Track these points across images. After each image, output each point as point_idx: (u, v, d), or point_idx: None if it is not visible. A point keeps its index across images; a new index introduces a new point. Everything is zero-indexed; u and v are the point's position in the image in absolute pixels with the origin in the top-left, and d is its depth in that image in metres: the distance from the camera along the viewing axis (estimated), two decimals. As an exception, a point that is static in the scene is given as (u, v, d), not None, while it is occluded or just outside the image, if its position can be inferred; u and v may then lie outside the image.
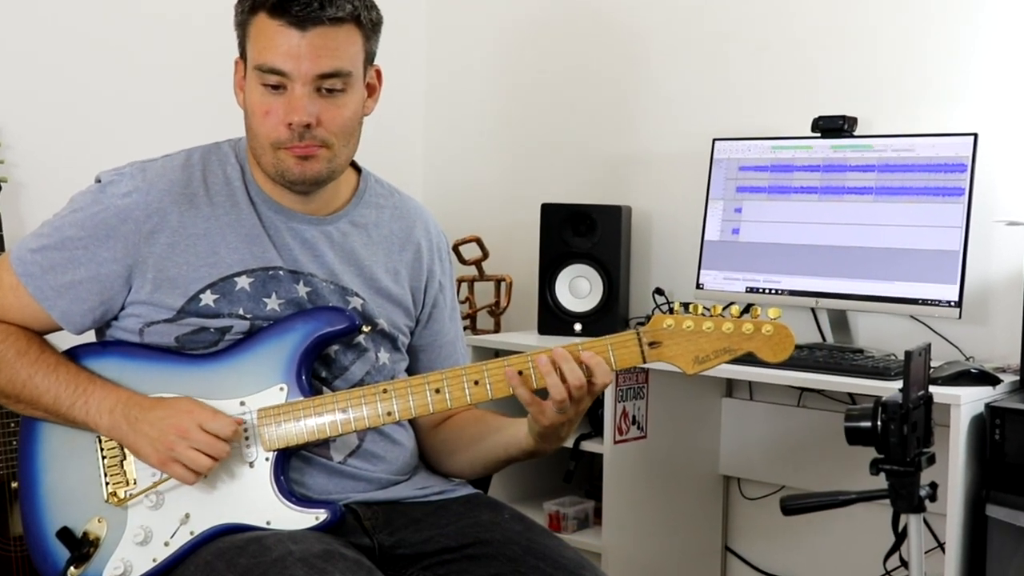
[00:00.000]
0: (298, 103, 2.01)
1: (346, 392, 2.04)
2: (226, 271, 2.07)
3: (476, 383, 2.01)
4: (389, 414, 2.03)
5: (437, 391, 2.02)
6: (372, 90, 2.16)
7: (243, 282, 2.08)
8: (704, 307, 1.99)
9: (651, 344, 1.99)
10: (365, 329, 2.12)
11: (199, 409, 1.99)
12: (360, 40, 2.06)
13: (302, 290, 2.11)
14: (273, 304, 2.09)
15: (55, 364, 2.06)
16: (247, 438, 2.02)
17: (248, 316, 2.07)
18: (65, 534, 2.04)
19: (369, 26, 2.08)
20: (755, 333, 1.95)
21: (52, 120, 3.27)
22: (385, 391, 2.03)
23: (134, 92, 3.43)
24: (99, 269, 2.06)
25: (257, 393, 2.04)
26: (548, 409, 1.99)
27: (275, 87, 2.02)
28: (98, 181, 2.11)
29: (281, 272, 2.10)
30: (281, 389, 2.04)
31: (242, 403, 2.04)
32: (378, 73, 2.16)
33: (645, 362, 1.99)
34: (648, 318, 2.02)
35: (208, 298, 2.06)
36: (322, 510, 2.01)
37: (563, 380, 1.96)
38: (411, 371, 2.26)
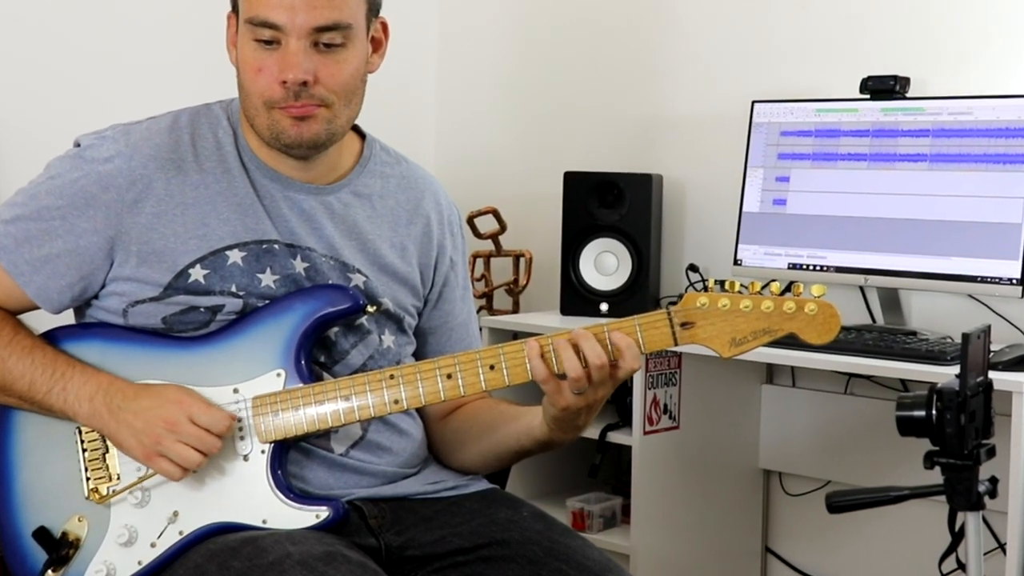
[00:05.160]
0: (293, 59, 2.00)
1: (349, 378, 2.03)
2: (217, 244, 2.07)
3: (492, 368, 2.00)
4: (396, 402, 2.02)
5: (449, 377, 2.01)
6: (377, 45, 2.15)
7: (235, 256, 2.07)
8: (741, 284, 1.98)
9: (683, 325, 1.97)
10: (370, 309, 2.11)
11: (189, 399, 1.98)
12: None
13: (299, 266, 2.10)
14: (268, 280, 2.08)
15: (30, 347, 2.05)
16: (241, 429, 2.02)
17: (241, 293, 2.06)
18: (42, 534, 2.03)
19: None
20: (797, 312, 1.93)
21: (28, 80, 3.26)
22: (392, 377, 2.02)
23: (117, 49, 3.41)
24: (78, 241, 2.05)
25: (252, 379, 2.04)
26: (565, 389, 1.97)
27: (268, 42, 2.01)
28: (77, 145, 2.10)
29: (276, 246, 2.09)
30: (278, 375, 2.04)
31: (235, 390, 2.03)
32: (384, 26, 2.15)
33: (677, 344, 1.98)
34: (680, 297, 2.00)
35: (198, 273, 2.05)
36: (323, 507, 2.00)
37: (583, 360, 1.94)
38: (419, 356, 2.25)
